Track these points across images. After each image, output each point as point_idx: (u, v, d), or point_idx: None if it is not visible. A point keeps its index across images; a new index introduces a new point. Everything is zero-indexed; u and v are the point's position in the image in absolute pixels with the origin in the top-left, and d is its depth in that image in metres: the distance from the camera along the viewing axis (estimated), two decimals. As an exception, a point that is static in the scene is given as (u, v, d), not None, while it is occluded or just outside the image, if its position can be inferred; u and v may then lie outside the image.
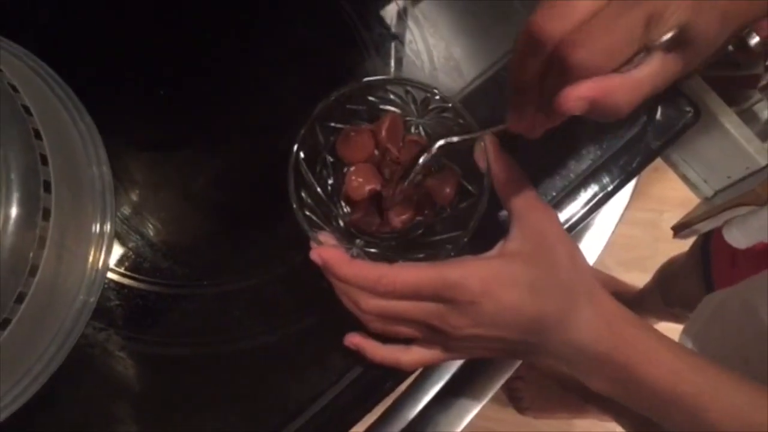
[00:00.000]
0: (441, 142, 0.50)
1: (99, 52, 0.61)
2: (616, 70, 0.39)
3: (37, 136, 0.49)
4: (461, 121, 0.52)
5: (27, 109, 0.50)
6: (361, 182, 0.53)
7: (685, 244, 1.09)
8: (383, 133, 0.53)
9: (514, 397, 1.58)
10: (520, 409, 1.59)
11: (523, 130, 0.45)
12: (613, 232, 0.65)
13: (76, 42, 0.61)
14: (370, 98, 0.54)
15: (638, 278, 1.37)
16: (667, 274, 1.19)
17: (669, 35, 0.38)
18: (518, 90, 0.43)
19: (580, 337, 0.46)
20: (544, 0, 0.38)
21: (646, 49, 0.39)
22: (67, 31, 0.61)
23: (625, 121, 0.53)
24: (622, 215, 0.64)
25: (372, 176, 0.53)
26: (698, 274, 0.96)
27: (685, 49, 0.40)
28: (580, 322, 0.46)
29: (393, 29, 0.61)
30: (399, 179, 0.51)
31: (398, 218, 0.53)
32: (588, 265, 0.49)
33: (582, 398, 1.50)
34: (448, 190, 0.53)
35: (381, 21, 0.62)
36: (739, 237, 0.63)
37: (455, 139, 0.50)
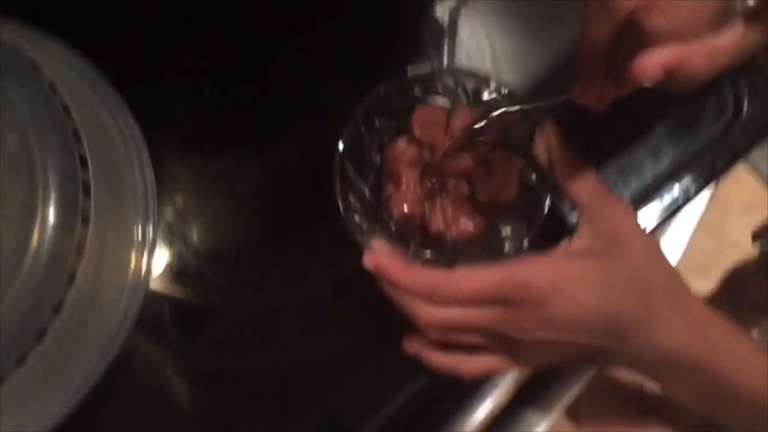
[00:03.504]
0: (497, 112, 0.46)
1: (142, 49, 0.58)
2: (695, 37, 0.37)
3: (77, 136, 0.47)
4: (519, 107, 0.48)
5: (66, 109, 0.47)
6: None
7: (750, 250, 1.03)
8: (417, 131, 0.49)
9: (569, 407, 1.53)
10: (576, 420, 1.54)
11: (589, 101, 0.42)
12: (690, 240, 0.60)
13: (119, 37, 0.58)
14: (417, 92, 0.50)
15: (704, 286, 1.31)
16: (737, 277, 1.14)
17: (750, 2, 0.37)
18: (587, 59, 0.40)
19: (663, 342, 0.42)
20: None
21: (726, 16, 0.37)
22: (108, 24, 0.58)
23: (707, 118, 0.49)
24: (700, 221, 0.59)
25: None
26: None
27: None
28: (662, 325, 0.42)
29: (451, 21, 0.57)
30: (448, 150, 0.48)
31: (467, 230, 0.49)
32: (668, 261, 0.44)
33: (642, 410, 1.45)
34: (512, 183, 0.49)
35: (439, 12, 0.58)
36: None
37: (512, 108, 0.46)
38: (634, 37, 0.37)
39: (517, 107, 0.47)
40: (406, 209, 0.48)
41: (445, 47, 0.57)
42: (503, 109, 0.46)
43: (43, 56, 0.50)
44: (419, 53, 0.57)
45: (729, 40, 0.38)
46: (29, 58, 0.47)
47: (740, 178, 1.59)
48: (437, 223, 0.49)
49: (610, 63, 0.40)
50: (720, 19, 0.37)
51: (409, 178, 0.49)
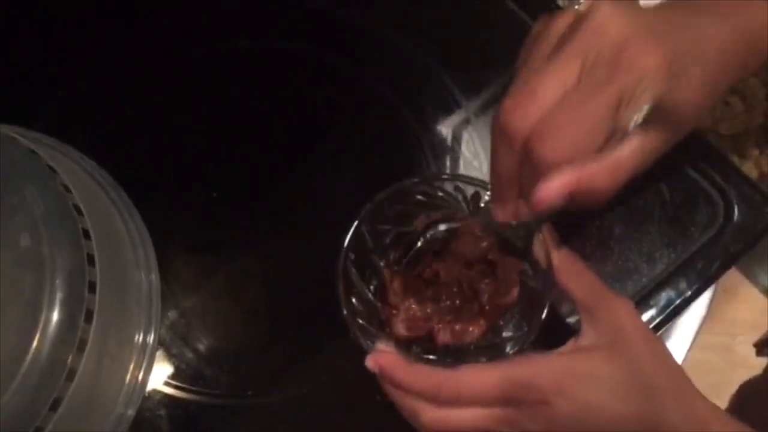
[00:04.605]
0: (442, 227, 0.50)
1: (153, 156, 0.61)
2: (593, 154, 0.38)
3: (86, 236, 0.48)
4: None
5: (78, 209, 0.49)
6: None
7: (761, 368, 1.02)
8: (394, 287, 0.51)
9: None
10: None
11: (509, 218, 0.44)
12: (685, 358, 0.60)
13: (132, 146, 0.61)
14: (418, 197, 0.52)
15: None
16: (746, 395, 1.11)
17: (643, 113, 0.37)
18: (497, 183, 0.42)
19: None
20: (512, 87, 0.38)
21: (622, 131, 0.38)
22: (123, 135, 0.62)
23: (700, 223, 0.50)
24: (695, 339, 0.59)
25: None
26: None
27: (666, 122, 0.39)
28: (670, 425, 0.41)
29: (451, 130, 0.60)
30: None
31: (471, 337, 0.49)
32: (673, 359, 0.44)
33: None
34: (512, 285, 0.49)
35: (439, 123, 0.61)
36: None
37: (440, 222, 0.50)
38: (533, 162, 0.38)
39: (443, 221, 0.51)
40: (406, 333, 0.49)
41: (448, 159, 0.59)
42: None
43: (60, 161, 0.52)
44: (422, 164, 0.59)
45: (630, 152, 0.39)
46: (46, 162, 0.50)
47: (745, 299, 1.58)
48: (444, 337, 0.49)
49: (519, 183, 0.41)
50: (617, 132, 0.38)
51: (405, 308, 0.50)
